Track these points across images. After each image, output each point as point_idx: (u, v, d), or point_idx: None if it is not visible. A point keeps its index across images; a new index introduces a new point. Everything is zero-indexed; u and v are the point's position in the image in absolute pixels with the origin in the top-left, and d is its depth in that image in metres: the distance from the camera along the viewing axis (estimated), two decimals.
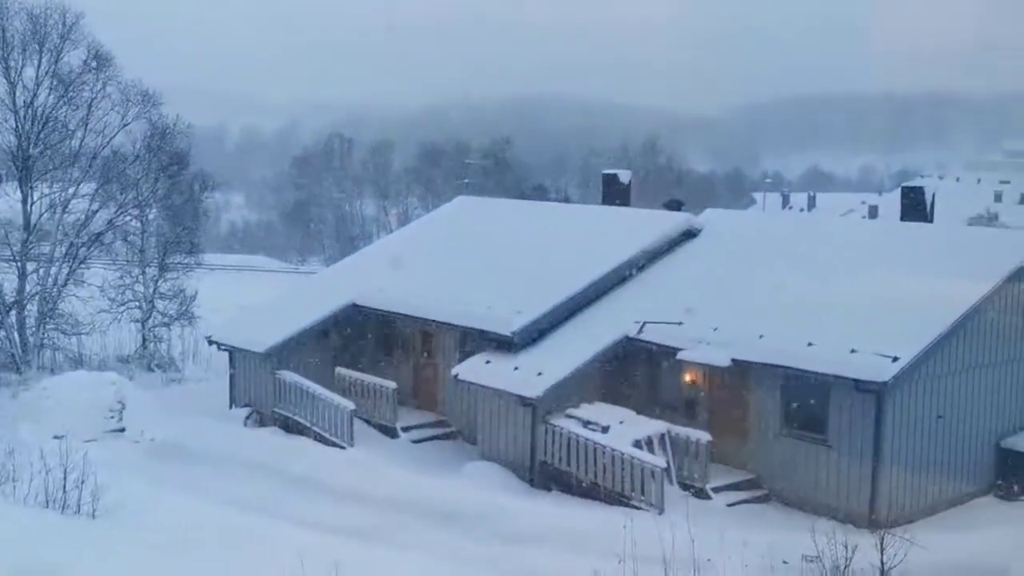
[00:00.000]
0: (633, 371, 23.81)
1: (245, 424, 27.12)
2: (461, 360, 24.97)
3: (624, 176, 31.52)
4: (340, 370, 27.01)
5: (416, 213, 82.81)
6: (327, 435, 25.12)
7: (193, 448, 23.80)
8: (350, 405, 24.95)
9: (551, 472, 22.36)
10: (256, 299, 32.53)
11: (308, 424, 25.72)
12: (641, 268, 25.95)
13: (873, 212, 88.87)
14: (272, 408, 26.93)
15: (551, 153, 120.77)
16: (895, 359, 19.54)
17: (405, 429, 25.76)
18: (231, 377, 28.83)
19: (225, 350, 28.71)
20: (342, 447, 24.56)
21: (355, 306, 27.92)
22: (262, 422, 27.21)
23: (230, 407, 28.50)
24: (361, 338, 28.53)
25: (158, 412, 26.27)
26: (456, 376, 24.29)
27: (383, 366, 28.07)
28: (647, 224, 27.50)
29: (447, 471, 22.90)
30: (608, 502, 20.86)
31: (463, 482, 21.96)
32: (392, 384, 25.94)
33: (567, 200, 75.38)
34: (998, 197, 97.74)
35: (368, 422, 25.77)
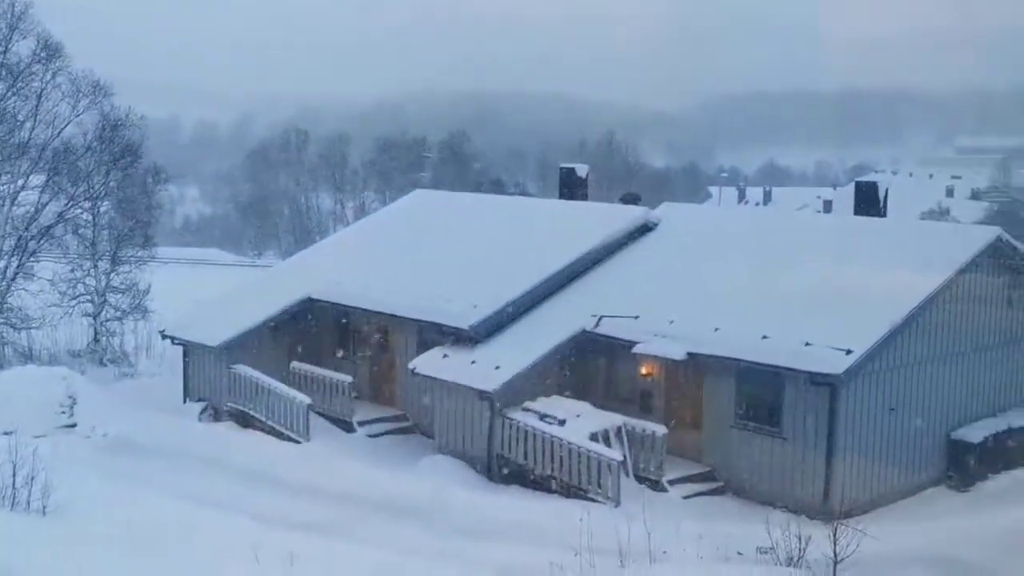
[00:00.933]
0: (590, 364, 23.87)
1: (200, 419, 26.87)
2: (418, 354, 24.89)
3: (581, 170, 31.56)
4: (296, 364, 26.83)
5: (373, 207, 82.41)
6: (283, 429, 24.95)
7: (146, 443, 23.51)
8: (306, 399, 24.81)
9: (509, 466, 22.36)
10: (211, 293, 32.19)
11: (263, 419, 25.53)
12: (598, 262, 26.00)
13: (828, 207, 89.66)
14: (227, 403, 26.69)
15: (509, 147, 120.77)
16: (848, 352, 19.72)
17: (362, 423, 25.65)
18: (185, 371, 28.53)
19: (179, 344, 28.42)
20: (298, 441, 24.42)
21: (311, 300, 27.74)
22: (217, 417, 26.96)
23: (184, 402, 28.22)
24: (317, 332, 28.35)
25: (110, 407, 25.92)
26: (413, 370, 24.20)
27: (340, 360, 27.92)
28: (604, 218, 27.55)
29: (404, 465, 22.82)
30: (565, 495, 20.90)
31: (420, 476, 21.90)
32: (348, 378, 25.82)
33: (525, 194, 75.36)
34: (950, 192, 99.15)
35: (325, 416, 25.62)
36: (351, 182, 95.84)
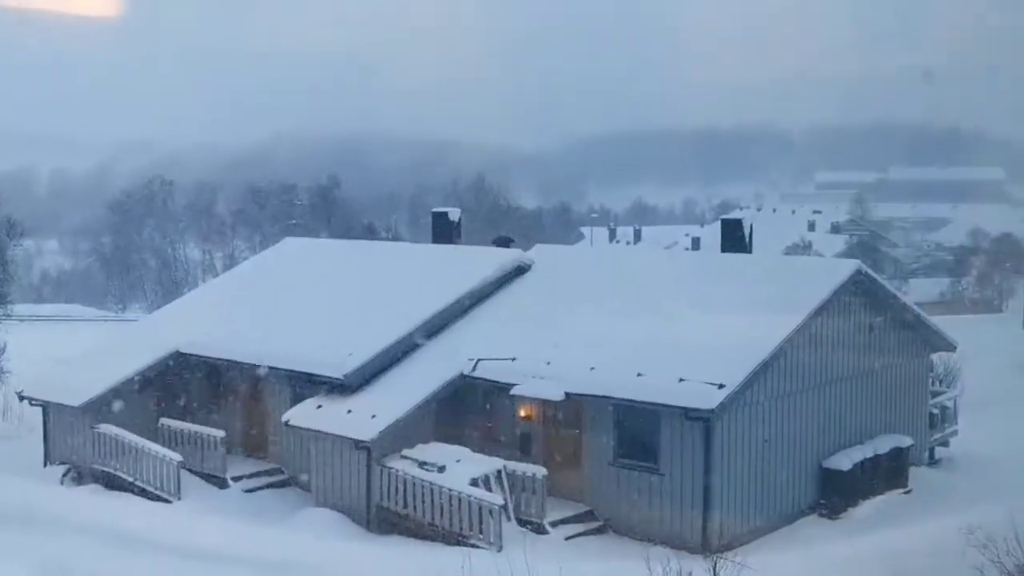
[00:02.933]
0: (469, 409, 23.71)
1: (62, 482, 25.72)
2: (293, 405, 24.36)
3: (453, 214, 31.55)
4: (165, 420, 25.97)
5: (243, 256, 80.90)
6: (152, 489, 24.08)
7: (2, 510, 22.31)
8: (176, 457, 24.02)
9: (389, 516, 21.98)
10: (73, 350, 30.97)
11: (131, 479, 24.59)
12: (473, 305, 25.94)
13: (696, 243, 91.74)
14: (91, 464, 25.62)
15: (380, 191, 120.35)
16: (721, 387, 20.05)
17: (236, 479, 24.92)
18: (45, 433, 27.31)
19: (38, 405, 27.22)
20: (168, 501, 23.60)
21: (180, 354, 26.93)
22: (81, 480, 25.84)
23: (45, 465, 26.98)
24: (188, 386, 27.52)
25: None
26: (287, 422, 23.67)
27: (212, 415, 27.10)
28: (478, 261, 27.55)
29: (281, 520, 22.23)
30: (448, 543, 20.62)
31: (297, 531, 21.35)
32: (220, 433, 25.09)
33: (398, 238, 75.16)
34: (811, 227, 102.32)
35: (197, 474, 24.83)
36: (219, 231, 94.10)
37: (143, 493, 24.12)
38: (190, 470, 24.64)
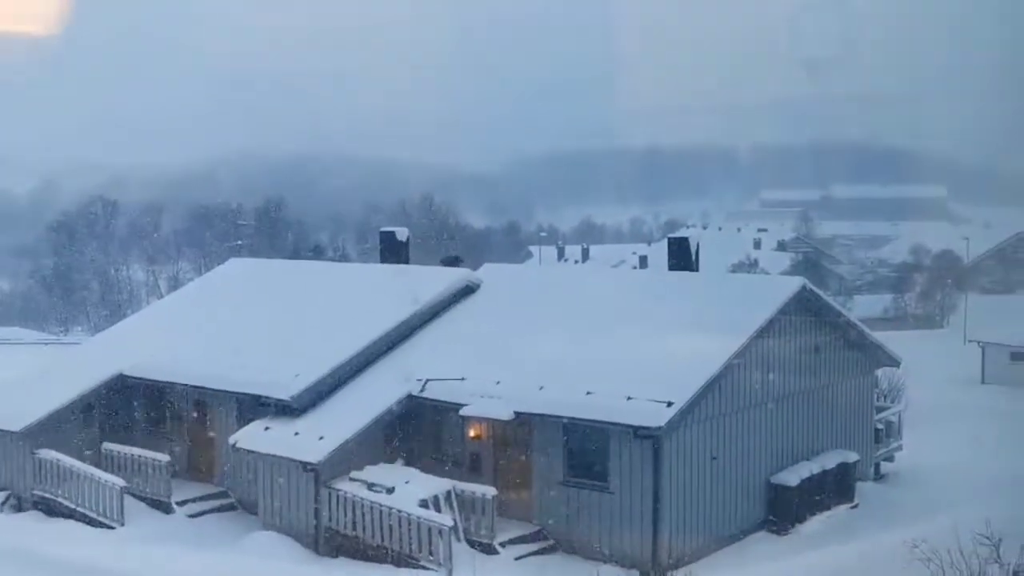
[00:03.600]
0: (418, 429, 23.58)
1: (1, 510, 25.16)
2: (239, 428, 24.07)
3: (401, 234, 31.43)
4: (108, 445, 25.53)
5: (188, 277, 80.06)
6: (95, 515, 23.64)
7: None
8: (119, 482, 23.61)
9: (337, 538, 21.77)
10: (13, 373, 30.38)
11: (73, 505, 24.13)
12: (422, 325, 25.85)
13: (644, 262, 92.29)
14: (32, 491, 25.10)
15: (328, 211, 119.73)
16: (669, 404, 20.13)
17: (181, 503, 24.54)
18: None
19: None
20: (111, 527, 23.18)
21: (123, 377, 26.52)
22: (20, 507, 25.31)
23: None
24: (131, 410, 27.09)
25: None
26: (234, 445, 23.39)
27: (157, 439, 26.68)
28: (426, 281, 27.46)
29: (227, 544, 21.92)
30: (397, 564, 20.47)
31: (244, 555, 21.06)
32: (165, 457, 24.71)
33: (345, 259, 74.75)
34: (757, 244, 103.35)
35: (141, 499, 24.42)
36: (164, 252, 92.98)
37: (85, 519, 23.67)
38: (134, 495, 24.23)
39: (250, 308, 28.70)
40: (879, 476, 28.57)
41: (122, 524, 23.14)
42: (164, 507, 24.38)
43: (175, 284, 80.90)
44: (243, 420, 24.48)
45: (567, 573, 19.92)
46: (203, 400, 26.21)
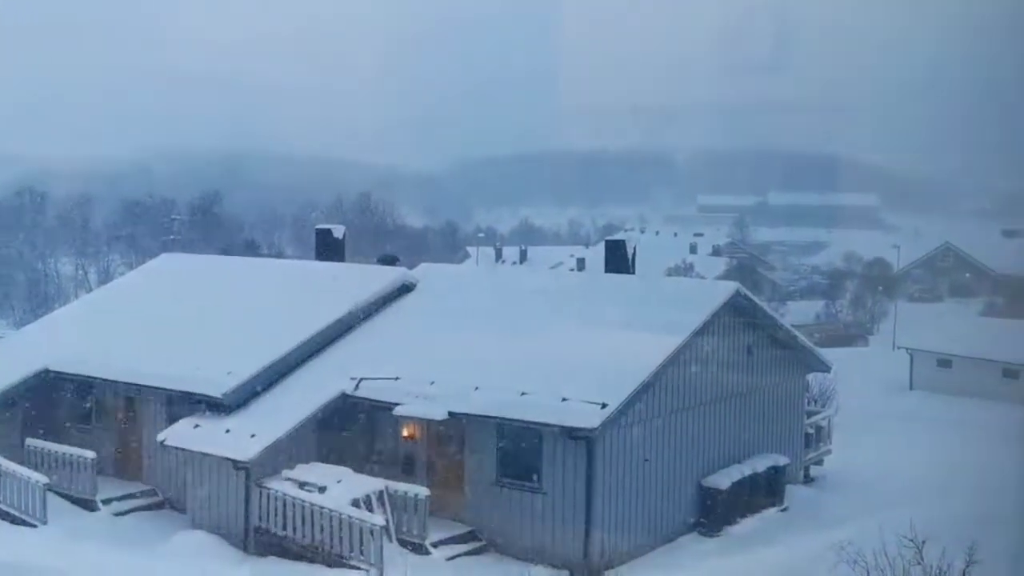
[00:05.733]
0: (351, 428, 23.39)
1: None
2: (169, 425, 23.68)
3: (338, 231, 31.18)
4: (32, 441, 24.94)
5: (119, 271, 78.62)
6: (16, 513, 23.07)
7: None
8: (42, 479, 23.06)
9: (267, 537, 21.49)
10: None
11: None
12: (357, 324, 25.66)
13: (581, 264, 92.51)
14: None
15: (263, 208, 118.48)
16: (603, 406, 20.18)
17: (106, 501, 24.07)
18: None
19: None
20: (33, 525, 22.64)
21: (49, 371, 25.96)
22: None
23: None
24: (57, 406, 26.52)
25: None
26: (163, 442, 23.00)
27: (83, 435, 26.15)
28: (362, 279, 27.28)
29: (153, 544, 21.53)
30: (328, 564, 20.27)
31: (170, 554, 20.73)
32: (91, 454, 24.20)
33: (281, 255, 74.01)
34: (693, 249, 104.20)
35: (66, 496, 23.90)
36: (94, 246, 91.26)
37: (6, 517, 23.09)
38: (58, 493, 23.71)
39: (182, 304, 28.26)
40: (809, 480, 28.95)
41: (44, 522, 22.62)
42: (89, 505, 23.90)
43: (105, 278, 79.42)
44: (173, 417, 24.08)
45: (498, 574, 19.86)
46: (132, 396, 25.75)
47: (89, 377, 25.74)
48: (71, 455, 24.32)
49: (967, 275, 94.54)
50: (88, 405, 26.61)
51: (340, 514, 20.31)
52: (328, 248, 30.54)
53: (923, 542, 14.21)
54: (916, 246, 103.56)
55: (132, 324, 27.61)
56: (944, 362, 48.64)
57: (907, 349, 51.25)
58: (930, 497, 23.22)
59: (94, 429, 26.41)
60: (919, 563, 14.17)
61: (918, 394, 47.39)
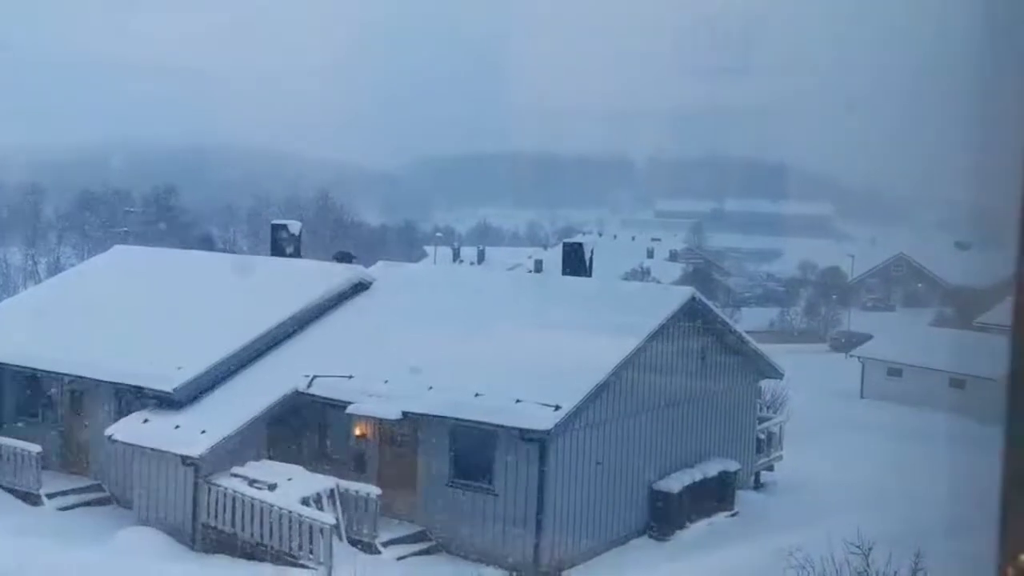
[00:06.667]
0: (303, 426, 23.21)
1: None
2: (118, 419, 23.37)
3: (294, 227, 30.96)
4: None
5: (69, 263, 77.45)
6: None
7: None
8: None
9: (215, 535, 21.27)
10: None
11: None
12: (311, 321, 25.47)
13: (539, 266, 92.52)
14: None
15: (218, 202, 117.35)
16: (557, 408, 20.18)
17: (51, 496, 23.71)
18: None
19: None
20: None
21: None
22: None
23: None
24: (1, 398, 26.08)
25: None
26: (111, 437, 22.68)
27: (29, 429, 25.72)
28: (317, 276, 27.09)
29: (98, 539, 21.21)
30: (276, 562, 20.10)
31: (116, 550, 20.43)
32: (36, 448, 23.83)
33: (235, 250, 73.31)
34: (650, 253, 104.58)
35: (8, 490, 23.59)
36: (44, 237, 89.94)
37: None
38: (1, 487, 23.34)
39: (133, 297, 27.89)
40: (759, 485, 29.14)
41: None
42: (33, 499, 23.55)
43: (56, 270, 78.21)
44: (122, 412, 23.77)
45: (449, 574, 19.80)
46: (80, 390, 25.38)
47: (36, 370, 25.36)
48: (15, 449, 23.96)
49: (919, 285, 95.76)
50: (35, 398, 26.20)
51: (290, 512, 20.14)
52: (284, 243, 30.30)
53: (870, 548, 14.33)
54: (870, 256, 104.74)
55: (82, 317, 27.21)
56: (894, 371, 49.24)
57: (859, 357, 51.81)
58: (878, 505, 23.44)
59: (40, 423, 25.99)
60: (865, 570, 14.29)
61: (868, 402, 47.94)
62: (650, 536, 23.17)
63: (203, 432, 21.53)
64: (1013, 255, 2.11)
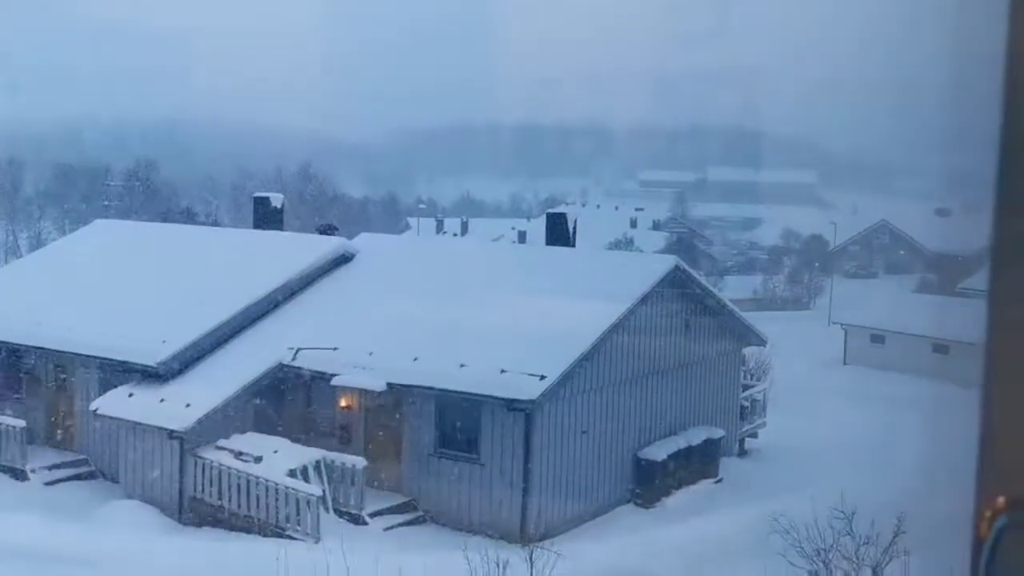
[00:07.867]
0: (289, 399, 23.24)
1: None
2: (102, 394, 23.34)
3: (276, 199, 30.85)
4: None
5: (51, 237, 77.01)
6: None
7: None
8: None
9: (202, 508, 21.33)
10: None
11: None
12: (295, 294, 25.44)
13: (522, 237, 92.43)
14: None
15: (200, 175, 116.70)
16: (542, 378, 20.26)
17: (36, 470, 23.69)
18: None
19: None
20: None
21: None
22: None
23: None
24: None
25: None
26: (96, 411, 22.68)
27: (13, 404, 25.66)
28: (301, 249, 27.03)
29: (85, 513, 21.22)
30: (264, 534, 20.17)
31: (102, 524, 20.44)
32: (20, 422, 23.79)
33: (217, 224, 72.94)
34: (633, 223, 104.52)
35: None
36: (25, 211, 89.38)
37: None
38: None
39: (116, 271, 27.79)
40: (743, 452, 29.36)
41: None
42: (18, 474, 23.52)
43: (37, 245, 77.78)
44: (106, 386, 23.73)
45: (436, 544, 19.89)
46: (64, 364, 25.32)
47: (19, 345, 25.26)
48: (0, 424, 23.88)
49: (902, 252, 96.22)
50: (18, 373, 26.11)
51: (276, 484, 20.21)
52: (266, 217, 30.19)
53: (853, 513, 14.48)
54: (853, 223, 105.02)
55: (64, 291, 27.10)
56: (877, 337, 49.46)
57: (841, 324, 52.05)
58: (859, 470, 23.65)
59: (25, 398, 25.93)
60: (849, 533, 14.45)
61: (851, 368, 48.18)
62: (635, 503, 23.33)
63: (188, 405, 21.53)
64: (990, 220, 2.15)
